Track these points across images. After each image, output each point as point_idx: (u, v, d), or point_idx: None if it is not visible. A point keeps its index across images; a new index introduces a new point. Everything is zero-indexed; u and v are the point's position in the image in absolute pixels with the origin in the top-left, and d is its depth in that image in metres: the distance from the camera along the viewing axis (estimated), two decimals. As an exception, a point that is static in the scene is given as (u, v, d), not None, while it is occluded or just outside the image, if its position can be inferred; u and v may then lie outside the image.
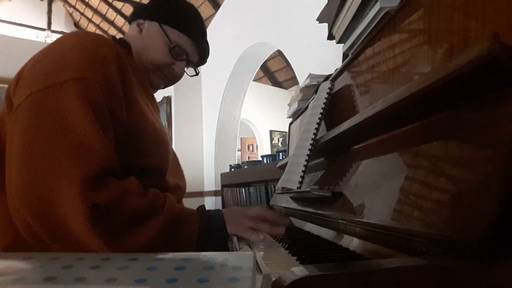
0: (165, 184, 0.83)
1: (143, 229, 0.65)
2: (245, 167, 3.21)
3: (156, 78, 0.94)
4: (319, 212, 0.81)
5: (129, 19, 0.97)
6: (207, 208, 0.80)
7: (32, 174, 0.60)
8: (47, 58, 0.71)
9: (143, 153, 0.76)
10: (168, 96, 4.66)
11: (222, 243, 0.75)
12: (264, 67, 6.78)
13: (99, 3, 7.47)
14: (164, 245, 0.67)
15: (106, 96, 0.68)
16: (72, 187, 0.59)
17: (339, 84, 0.96)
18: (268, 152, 6.69)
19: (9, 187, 0.64)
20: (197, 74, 1.00)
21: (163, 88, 0.99)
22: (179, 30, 0.91)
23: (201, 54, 0.98)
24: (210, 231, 0.74)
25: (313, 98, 1.09)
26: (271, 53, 3.86)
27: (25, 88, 0.67)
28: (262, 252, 0.76)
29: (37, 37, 7.02)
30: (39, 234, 0.62)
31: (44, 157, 0.61)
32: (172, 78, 0.97)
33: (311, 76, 1.50)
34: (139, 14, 0.94)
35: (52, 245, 0.63)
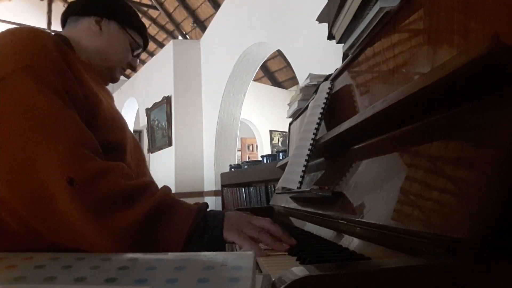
0: (126, 163, 0.82)
1: (129, 210, 0.64)
2: (245, 167, 3.21)
3: (116, 73, 1.01)
4: (319, 212, 0.81)
5: (74, 13, 0.95)
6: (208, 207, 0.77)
7: (9, 155, 0.61)
8: None
9: (102, 129, 0.77)
10: (168, 96, 4.66)
11: (215, 247, 0.70)
12: (264, 67, 6.79)
13: (99, 3, 7.47)
14: (151, 230, 0.65)
15: (59, 78, 0.69)
16: (50, 161, 0.60)
17: (339, 84, 0.96)
18: (268, 152, 6.69)
19: None
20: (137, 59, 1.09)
21: None
22: (136, 31, 1.00)
23: (145, 46, 1.07)
24: (204, 231, 0.70)
25: (313, 98, 1.09)
26: (271, 53, 3.87)
27: None
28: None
29: (37, 37, 7.01)
30: (26, 218, 0.62)
31: (17, 140, 0.61)
32: (126, 70, 1.06)
33: (311, 76, 1.50)
34: (93, 9, 0.94)
35: (39, 228, 0.62)
